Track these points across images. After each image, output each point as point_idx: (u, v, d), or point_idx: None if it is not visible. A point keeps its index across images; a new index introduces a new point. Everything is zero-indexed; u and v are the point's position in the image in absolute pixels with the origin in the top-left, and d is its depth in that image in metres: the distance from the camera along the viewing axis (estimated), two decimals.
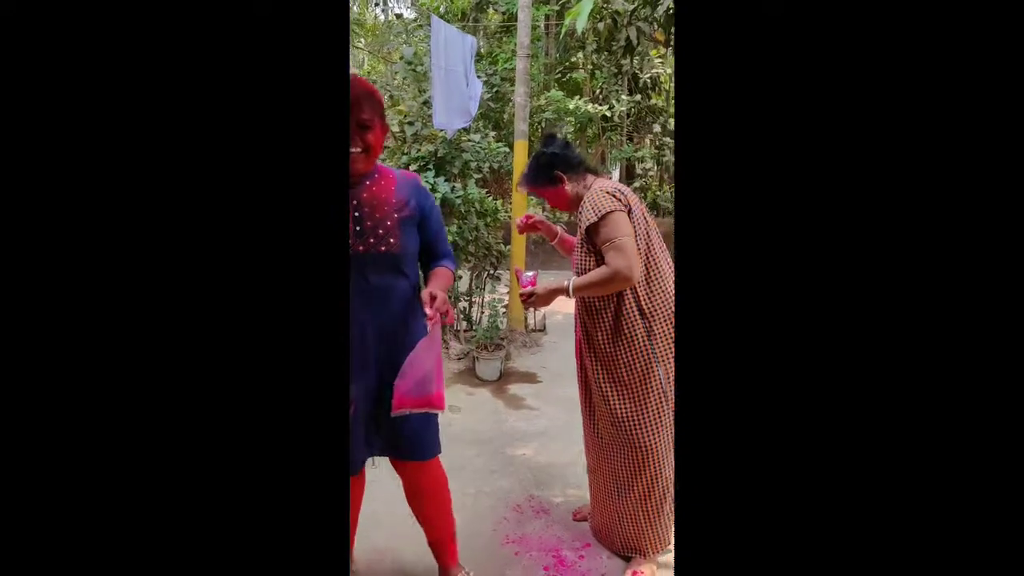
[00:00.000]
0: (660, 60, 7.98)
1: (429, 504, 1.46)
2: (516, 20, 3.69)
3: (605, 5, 3.39)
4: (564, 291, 1.56)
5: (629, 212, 1.54)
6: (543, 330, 4.53)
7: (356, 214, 1.23)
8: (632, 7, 3.23)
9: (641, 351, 1.56)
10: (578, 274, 1.59)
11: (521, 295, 1.62)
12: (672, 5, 2.80)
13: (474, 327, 4.10)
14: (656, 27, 3.38)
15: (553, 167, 1.61)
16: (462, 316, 4.10)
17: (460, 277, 3.93)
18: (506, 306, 4.32)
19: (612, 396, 1.60)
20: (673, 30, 3.05)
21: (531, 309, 1.73)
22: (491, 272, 4.23)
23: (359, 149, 1.18)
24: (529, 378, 3.57)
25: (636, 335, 1.55)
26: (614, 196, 1.53)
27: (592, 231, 1.53)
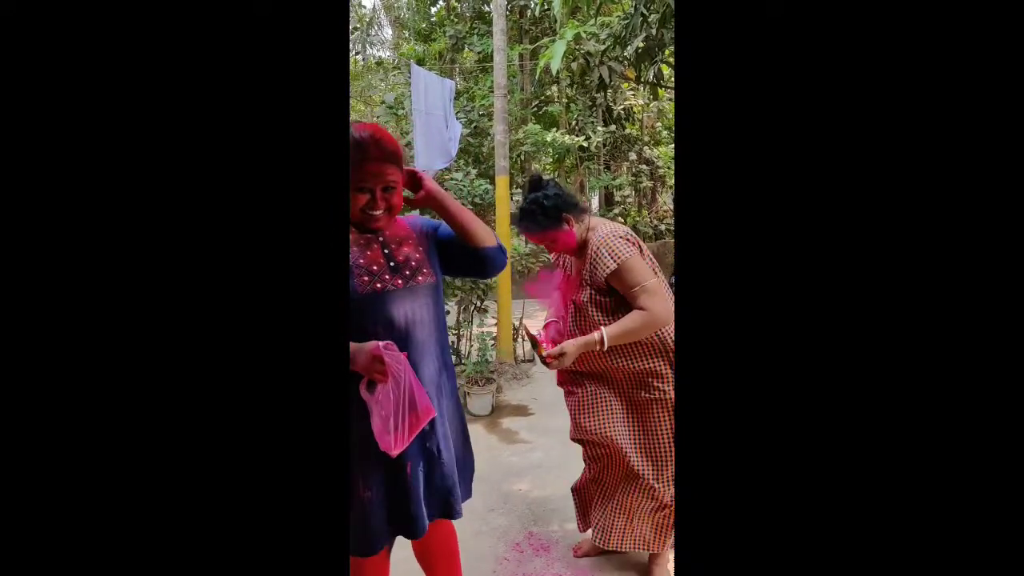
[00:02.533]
0: (632, 92, 8.26)
1: (440, 561, 1.42)
2: (491, 60, 3.82)
3: (577, 47, 3.53)
4: (597, 343, 1.52)
5: (640, 252, 1.57)
6: (533, 361, 4.55)
7: (385, 251, 1.22)
8: (603, 48, 3.39)
9: (665, 389, 1.58)
10: (587, 322, 1.60)
11: (547, 356, 1.52)
12: (640, 45, 2.94)
13: (463, 361, 4.10)
14: (627, 65, 3.53)
15: (560, 210, 1.57)
16: (451, 350, 4.09)
17: (448, 312, 3.95)
18: (495, 338, 4.33)
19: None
20: (643, 66, 3.19)
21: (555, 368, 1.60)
22: (478, 305, 4.26)
23: (381, 211, 1.15)
24: (521, 411, 3.57)
25: (659, 372, 1.58)
26: (627, 240, 1.56)
27: (614, 278, 1.53)
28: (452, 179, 3.42)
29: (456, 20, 9.03)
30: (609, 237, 1.56)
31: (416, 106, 2.70)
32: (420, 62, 7.79)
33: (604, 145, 8.27)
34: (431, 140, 2.80)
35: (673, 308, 1.48)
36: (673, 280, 3.51)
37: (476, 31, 8.53)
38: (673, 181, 9.04)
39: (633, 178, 8.51)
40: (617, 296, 1.57)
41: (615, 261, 1.52)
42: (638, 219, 9.00)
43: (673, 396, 1.57)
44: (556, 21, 7.05)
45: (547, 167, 8.74)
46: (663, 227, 8.97)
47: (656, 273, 1.59)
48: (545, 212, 1.57)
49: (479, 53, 8.40)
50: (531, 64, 8.18)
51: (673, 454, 1.58)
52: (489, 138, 4.90)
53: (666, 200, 9.75)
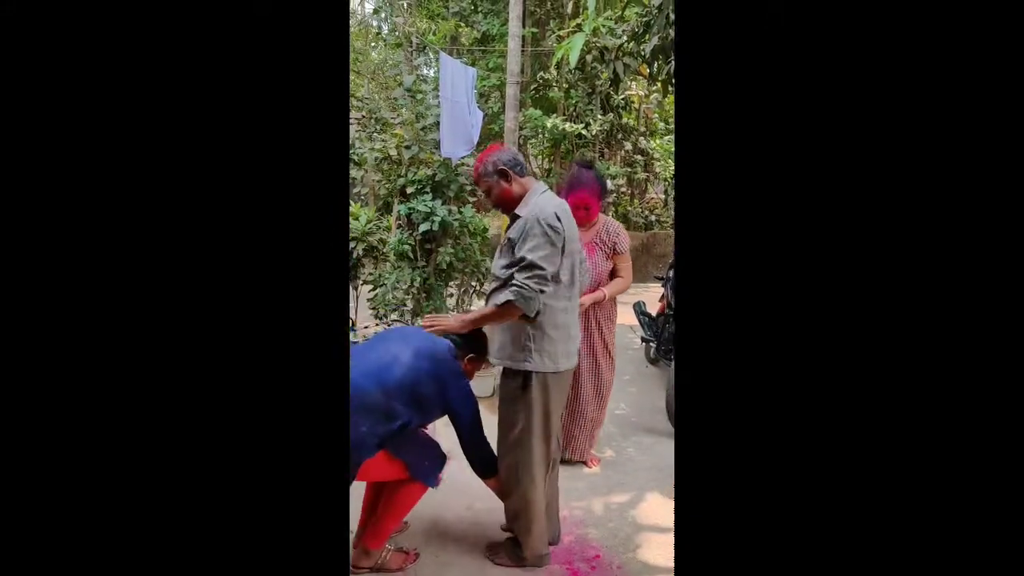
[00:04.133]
0: (633, 81, 8.30)
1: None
2: (492, 41, 3.79)
3: (594, 40, 3.58)
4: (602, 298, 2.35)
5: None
6: None
7: None
8: (619, 43, 3.44)
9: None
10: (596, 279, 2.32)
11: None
12: (657, 43, 3.01)
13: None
14: (641, 62, 3.60)
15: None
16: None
17: (451, 294, 4.02)
18: None
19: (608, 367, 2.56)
20: (658, 64, 3.26)
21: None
22: (477, 288, 4.33)
23: None
24: None
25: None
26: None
27: (620, 249, 2.38)
28: (464, 164, 3.46)
29: None
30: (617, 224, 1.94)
31: (443, 94, 2.74)
32: (424, 41, 7.70)
33: (601, 133, 8.33)
34: (456, 127, 2.85)
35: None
36: (669, 273, 3.61)
37: (480, 9, 8.44)
38: (665, 173, 9.18)
39: (627, 168, 8.61)
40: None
41: (627, 239, 2.38)
42: (629, 208, 9.13)
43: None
44: (564, 5, 7.02)
45: (542, 152, 8.77)
46: (653, 218, 9.12)
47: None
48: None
49: (481, 32, 8.32)
50: (531, 48, 8.14)
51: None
52: (498, 122, 4.91)
53: (656, 192, 9.90)
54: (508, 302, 1.56)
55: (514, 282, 1.56)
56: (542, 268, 1.56)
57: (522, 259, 1.56)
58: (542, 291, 1.57)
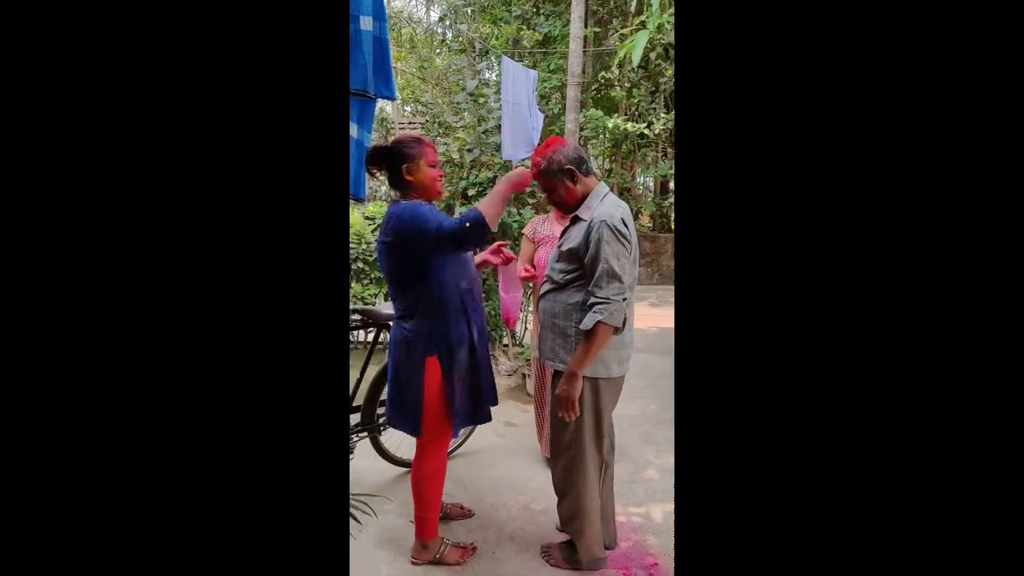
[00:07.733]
0: None
1: None
2: (553, 43, 3.77)
3: (658, 37, 3.51)
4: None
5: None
6: None
7: None
8: None
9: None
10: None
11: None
12: None
13: (520, 342, 4.21)
14: None
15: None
16: (507, 332, 4.22)
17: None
18: None
19: None
20: None
21: None
22: (533, 286, 4.34)
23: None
24: None
25: None
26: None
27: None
28: (524, 165, 3.50)
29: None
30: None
31: (505, 97, 2.79)
32: (486, 46, 7.81)
33: (664, 132, 8.13)
34: (517, 130, 2.89)
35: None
36: None
37: (542, 11, 8.45)
38: None
39: None
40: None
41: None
42: None
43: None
44: (627, 3, 6.90)
45: (603, 153, 8.67)
46: None
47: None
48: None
49: (543, 34, 8.32)
50: (592, 48, 8.06)
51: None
52: (560, 122, 4.91)
53: None
54: (597, 323, 1.51)
55: (595, 300, 1.52)
56: (621, 278, 1.53)
57: (600, 268, 1.53)
58: (624, 299, 1.54)
